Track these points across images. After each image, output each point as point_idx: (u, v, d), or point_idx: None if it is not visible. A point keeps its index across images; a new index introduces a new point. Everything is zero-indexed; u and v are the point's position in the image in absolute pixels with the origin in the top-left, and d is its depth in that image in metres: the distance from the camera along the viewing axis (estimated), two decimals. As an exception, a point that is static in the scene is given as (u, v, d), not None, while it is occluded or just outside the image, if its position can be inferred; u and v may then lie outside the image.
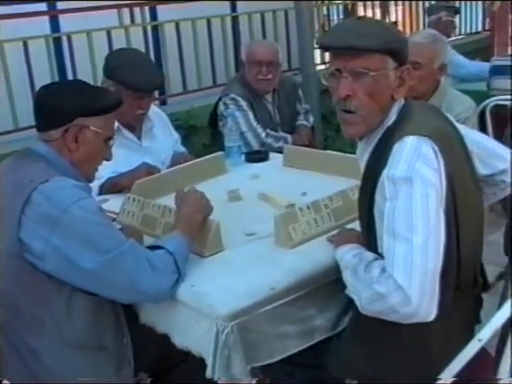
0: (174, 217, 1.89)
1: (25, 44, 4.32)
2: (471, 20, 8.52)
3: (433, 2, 6.72)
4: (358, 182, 1.71)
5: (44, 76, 4.25)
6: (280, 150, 3.22)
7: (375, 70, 1.56)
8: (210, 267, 1.77)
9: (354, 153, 1.86)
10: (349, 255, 1.63)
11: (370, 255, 1.57)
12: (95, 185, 2.54)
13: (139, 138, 2.76)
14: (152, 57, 5.20)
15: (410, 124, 1.59)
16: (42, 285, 1.58)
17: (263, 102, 3.40)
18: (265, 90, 3.38)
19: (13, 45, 4.22)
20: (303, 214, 1.93)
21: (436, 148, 1.51)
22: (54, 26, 5.02)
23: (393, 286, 1.41)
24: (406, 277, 1.40)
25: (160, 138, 2.85)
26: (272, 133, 3.30)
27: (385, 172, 1.51)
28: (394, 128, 1.61)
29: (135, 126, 2.73)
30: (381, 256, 1.52)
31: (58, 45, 4.80)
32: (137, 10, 5.08)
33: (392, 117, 1.63)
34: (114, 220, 2.21)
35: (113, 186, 2.54)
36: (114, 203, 2.35)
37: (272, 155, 2.99)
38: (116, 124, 2.66)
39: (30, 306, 1.60)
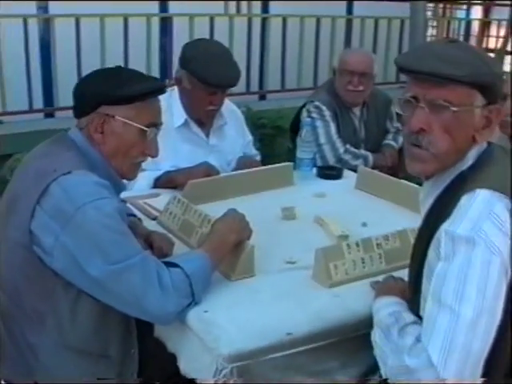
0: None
1: (125, 20, 4.33)
2: None
3: None
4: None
5: (140, 56, 4.28)
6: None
7: (459, 105, 1.32)
8: (232, 293, 1.61)
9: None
10: (385, 312, 1.42)
11: (408, 317, 1.36)
12: (150, 177, 2.45)
13: (207, 134, 2.64)
14: (256, 50, 5.11)
15: (488, 174, 1.35)
16: (47, 281, 1.48)
17: (349, 115, 3.19)
18: (353, 102, 3.17)
19: (114, 19, 4.25)
20: (350, 251, 1.73)
21: None
22: (163, 7, 5.05)
23: (425, 362, 1.20)
24: (442, 355, 1.18)
25: (230, 138, 2.71)
26: (352, 149, 3.09)
27: (445, 226, 1.29)
28: (467, 175, 1.37)
29: (205, 121, 2.61)
30: (421, 319, 1.31)
31: (163, 26, 4.81)
32: (244, 2, 4.98)
33: (468, 161, 1.39)
34: (155, 218, 2.11)
35: (168, 181, 2.44)
36: (164, 199, 2.25)
37: (347, 173, 2.79)
38: (185, 117, 2.58)
39: (33, 300, 1.51)
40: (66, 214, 1.43)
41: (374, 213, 2.28)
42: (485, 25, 7.78)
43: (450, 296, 1.22)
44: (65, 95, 4.14)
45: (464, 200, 1.29)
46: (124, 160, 1.62)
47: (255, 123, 4.52)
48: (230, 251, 1.65)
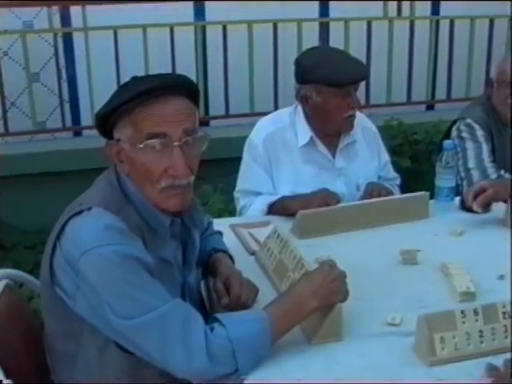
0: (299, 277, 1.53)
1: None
2: None
3: None
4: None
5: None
6: None
7: None
8: (304, 359, 1.37)
9: None
10: None
11: None
12: (264, 201, 2.27)
13: (334, 155, 2.40)
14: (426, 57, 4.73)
15: None
16: (74, 322, 1.37)
17: (508, 135, 2.75)
18: (511, 121, 2.72)
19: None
20: (465, 320, 1.40)
21: None
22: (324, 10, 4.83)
23: None
24: None
25: (362, 158, 2.45)
26: (507, 175, 2.65)
27: None
28: None
29: (347, 131, 2.37)
30: None
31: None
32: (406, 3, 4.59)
33: None
34: (254, 253, 1.92)
35: (282, 208, 2.25)
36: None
37: (497, 207, 2.38)
38: (310, 134, 2.36)
39: (61, 339, 1.42)
40: (74, 259, 1.31)
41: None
42: None
43: None
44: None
45: None
46: (152, 187, 1.39)
47: (408, 139, 4.15)
48: (308, 316, 1.40)
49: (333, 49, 2.44)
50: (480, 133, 2.66)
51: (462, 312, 1.41)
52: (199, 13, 4.49)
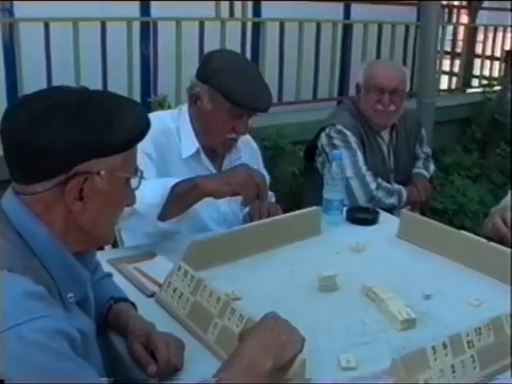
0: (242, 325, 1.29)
1: (103, 24, 3.88)
2: None
3: None
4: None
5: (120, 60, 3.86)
6: (391, 208, 2.60)
7: None
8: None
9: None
10: None
11: None
12: (165, 185, 1.85)
13: (219, 170, 2.17)
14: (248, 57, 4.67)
15: None
16: None
17: (377, 141, 2.75)
18: (383, 125, 2.73)
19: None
20: (437, 357, 1.28)
21: None
22: (145, 10, 4.59)
23: None
24: None
25: None
26: (384, 184, 2.64)
27: None
28: None
29: (220, 152, 2.15)
30: None
31: (145, 30, 4.37)
32: (238, 3, 4.53)
33: None
34: (153, 295, 1.64)
35: (195, 190, 1.84)
36: (164, 263, 1.80)
37: (383, 217, 2.34)
38: (197, 145, 2.09)
39: None
40: None
41: (434, 275, 1.85)
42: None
43: None
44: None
45: None
46: (109, 223, 1.22)
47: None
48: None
49: (249, 63, 2.16)
50: (353, 139, 2.62)
51: (433, 348, 1.28)
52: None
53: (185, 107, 2.14)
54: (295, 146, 3.96)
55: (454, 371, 1.29)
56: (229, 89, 1.93)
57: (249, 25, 4.66)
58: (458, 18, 8.51)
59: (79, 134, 1.07)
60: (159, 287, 1.64)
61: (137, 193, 1.26)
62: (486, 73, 7.19)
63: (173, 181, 1.84)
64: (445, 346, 1.30)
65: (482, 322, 1.39)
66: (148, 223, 1.85)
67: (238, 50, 4.60)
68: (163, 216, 1.83)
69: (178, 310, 1.53)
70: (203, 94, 1.99)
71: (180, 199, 1.83)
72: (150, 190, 1.70)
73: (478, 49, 7.48)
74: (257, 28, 4.66)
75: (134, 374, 1.31)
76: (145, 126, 1.18)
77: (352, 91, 5.31)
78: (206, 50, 4.24)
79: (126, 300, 1.48)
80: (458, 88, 6.90)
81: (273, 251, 1.97)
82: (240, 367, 1.13)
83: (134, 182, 1.22)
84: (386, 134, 2.78)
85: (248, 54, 4.80)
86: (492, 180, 5.12)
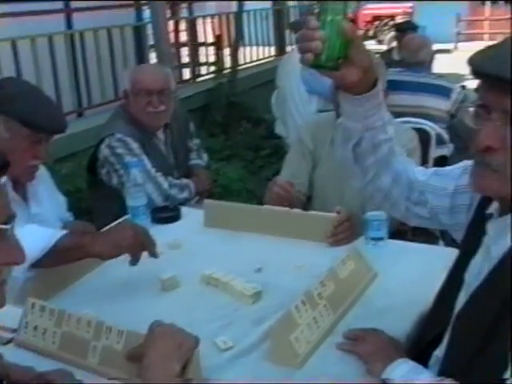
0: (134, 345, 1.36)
1: None
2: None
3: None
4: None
5: None
6: (184, 202, 2.78)
7: None
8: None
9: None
10: None
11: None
12: (52, 235, 1.77)
13: (25, 199, 2.15)
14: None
15: None
16: None
17: (154, 141, 2.89)
18: (157, 126, 2.88)
19: None
20: (301, 315, 1.50)
21: None
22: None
23: None
24: None
25: (46, 202, 2.26)
26: (174, 181, 2.80)
27: None
28: None
29: (25, 181, 2.13)
30: None
31: None
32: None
33: None
34: (10, 341, 1.62)
35: (77, 249, 1.76)
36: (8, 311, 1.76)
37: (184, 211, 2.52)
38: (4, 178, 2.03)
39: None
40: None
41: (254, 252, 2.08)
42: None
43: None
44: None
45: None
46: None
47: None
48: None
49: (36, 88, 2.18)
50: (135, 145, 2.72)
51: (296, 307, 1.50)
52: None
53: None
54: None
55: (316, 321, 1.53)
56: (26, 114, 1.95)
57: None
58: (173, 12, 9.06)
59: None
60: (13, 332, 1.63)
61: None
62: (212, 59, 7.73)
63: (58, 234, 1.77)
64: (303, 303, 1.53)
65: (314, 276, 1.66)
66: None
67: None
68: (38, 265, 1.75)
69: (47, 346, 1.54)
70: None
71: (62, 255, 1.76)
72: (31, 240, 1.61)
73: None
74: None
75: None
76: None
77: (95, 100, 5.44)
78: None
79: None
80: (194, 77, 7.31)
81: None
82: (155, 379, 1.22)
83: None
84: (161, 134, 2.93)
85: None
86: (243, 157, 5.56)
